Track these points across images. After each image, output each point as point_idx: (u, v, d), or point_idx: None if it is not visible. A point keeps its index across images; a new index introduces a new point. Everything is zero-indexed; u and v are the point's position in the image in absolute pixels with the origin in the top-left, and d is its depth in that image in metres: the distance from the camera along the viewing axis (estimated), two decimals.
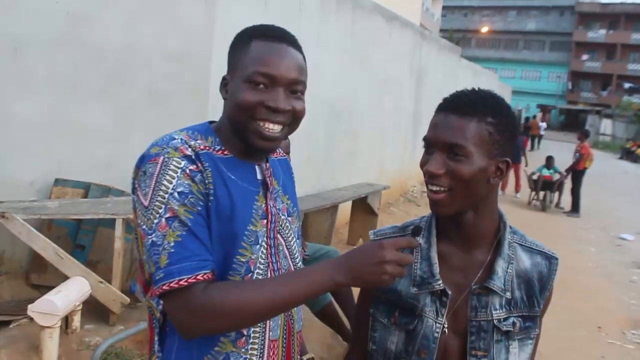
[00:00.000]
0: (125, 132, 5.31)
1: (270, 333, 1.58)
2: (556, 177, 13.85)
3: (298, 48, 1.57)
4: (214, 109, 5.17)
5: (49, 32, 5.16)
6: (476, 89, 1.63)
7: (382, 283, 1.41)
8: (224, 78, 1.59)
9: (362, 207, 7.68)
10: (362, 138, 9.18)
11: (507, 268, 1.63)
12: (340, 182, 8.07)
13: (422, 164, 1.59)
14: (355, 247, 7.82)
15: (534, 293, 1.65)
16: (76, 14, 5.21)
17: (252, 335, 1.54)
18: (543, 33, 66.27)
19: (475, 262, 1.65)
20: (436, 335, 1.63)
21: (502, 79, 33.54)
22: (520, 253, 1.67)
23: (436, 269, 1.64)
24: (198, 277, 1.38)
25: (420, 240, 1.69)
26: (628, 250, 10.45)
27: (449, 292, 1.63)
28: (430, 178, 1.56)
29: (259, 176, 1.60)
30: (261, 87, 1.49)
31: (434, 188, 1.56)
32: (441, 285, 1.63)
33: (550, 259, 1.69)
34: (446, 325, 1.62)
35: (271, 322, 1.58)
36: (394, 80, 10.44)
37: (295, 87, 1.54)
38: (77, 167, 5.20)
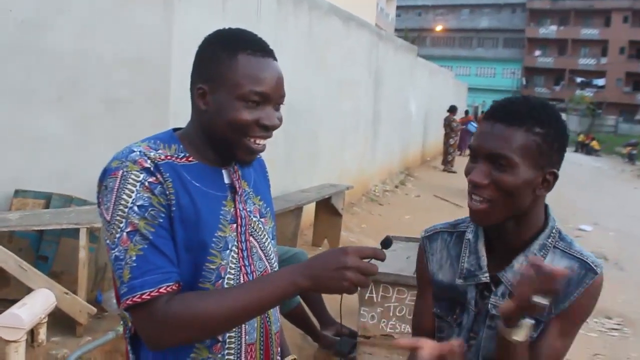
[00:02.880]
0: (84, 141, 5.24)
1: (247, 337, 1.58)
2: None
3: (276, 58, 1.57)
4: (175, 116, 5.14)
5: (1, 40, 5.07)
6: (526, 97, 1.59)
7: (343, 290, 1.39)
8: (199, 87, 1.54)
9: (326, 208, 7.69)
10: (323, 139, 9.20)
11: None
12: (302, 183, 8.08)
13: (467, 172, 1.58)
14: (321, 249, 7.91)
15: (554, 300, 1.53)
16: (30, 21, 5.13)
17: (227, 340, 1.54)
18: (496, 30, 67.41)
19: (506, 263, 1.63)
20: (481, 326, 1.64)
21: (457, 76, 33.93)
22: (558, 258, 1.61)
23: (484, 261, 1.64)
24: (161, 290, 1.39)
25: (469, 234, 1.70)
26: (587, 241, 10.63)
27: (493, 288, 1.63)
28: (473, 188, 1.54)
29: (226, 180, 1.59)
30: (253, 104, 1.49)
31: (476, 198, 1.54)
32: (487, 277, 1.63)
33: (587, 271, 1.59)
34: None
35: (247, 326, 1.58)
36: (352, 81, 10.49)
37: (282, 101, 1.57)
38: (37, 178, 5.12)
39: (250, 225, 1.61)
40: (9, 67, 5.11)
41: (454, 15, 70.25)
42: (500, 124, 1.52)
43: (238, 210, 1.58)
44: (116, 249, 1.40)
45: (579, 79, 61.41)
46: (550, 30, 64.50)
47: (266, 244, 1.66)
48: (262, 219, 1.67)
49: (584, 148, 35.59)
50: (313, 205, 7.58)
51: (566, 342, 1.63)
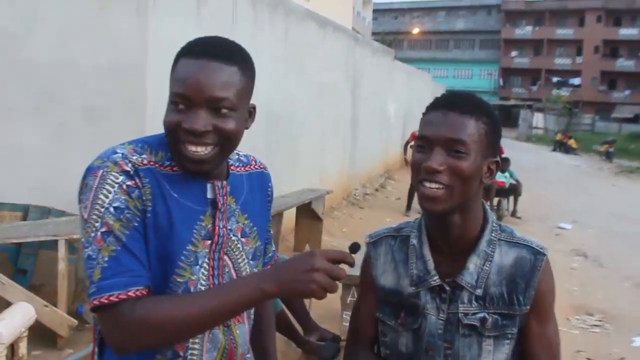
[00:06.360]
0: (61, 151, 5.19)
1: (207, 355, 1.54)
2: (510, 182, 12.29)
3: (229, 60, 1.46)
4: (152, 124, 5.10)
5: None
6: (465, 91, 1.68)
7: (310, 293, 1.35)
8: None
9: (307, 213, 7.68)
10: (302, 144, 9.20)
11: (483, 265, 1.64)
12: (283, 189, 8.04)
13: (418, 162, 1.59)
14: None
15: (517, 291, 1.63)
16: (4, 33, 5.09)
17: (189, 356, 1.51)
18: (472, 32, 67.85)
19: (458, 266, 1.66)
20: (440, 331, 1.65)
21: (435, 78, 34.04)
22: (505, 249, 1.67)
23: (430, 264, 1.67)
24: (129, 293, 1.36)
25: (413, 239, 1.72)
26: (567, 238, 10.73)
27: (447, 288, 1.65)
28: (429, 174, 1.55)
29: (209, 195, 1.53)
30: (181, 107, 1.43)
31: (433, 185, 1.55)
32: (437, 280, 1.65)
33: (537, 254, 1.66)
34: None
35: (208, 344, 1.54)
36: (330, 85, 10.49)
37: (217, 104, 1.43)
38: (13, 190, 5.06)
39: (228, 243, 1.57)
40: None
41: (430, 17, 70.60)
42: (453, 112, 1.56)
43: (217, 227, 1.54)
44: (89, 248, 1.39)
45: (555, 79, 61.95)
46: (525, 30, 65.04)
47: (241, 264, 1.61)
48: (243, 239, 1.61)
49: (562, 147, 35.84)
50: (294, 210, 7.57)
51: (551, 327, 1.70)
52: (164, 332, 1.38)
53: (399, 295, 1.72)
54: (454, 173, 1.54)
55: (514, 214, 12.46)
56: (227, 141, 1.48)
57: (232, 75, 1.46)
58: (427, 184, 1.56)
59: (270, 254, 1.81)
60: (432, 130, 1.58)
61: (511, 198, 12.53)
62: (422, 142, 1.60)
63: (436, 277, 1.65)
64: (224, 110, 1.44)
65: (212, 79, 1.43)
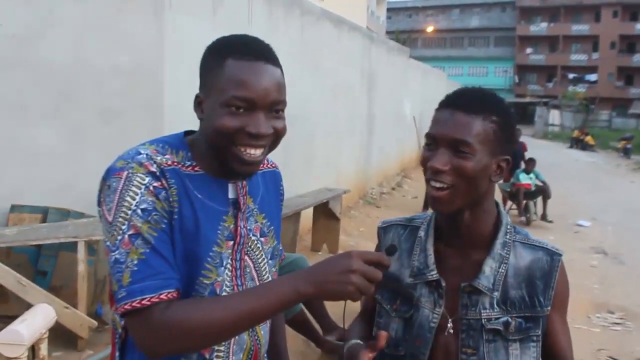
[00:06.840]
0: (79, 153, 5.21)
1: (234, 357, 1.53)
2: (535, 183, 11.78)
3: (275, 62, 1.49)
4: (170, 125, 5.12)
5: None
6: (479, 88, 1.66)
7: (347, 295, 1.32)
8: (197, 96, 1.50)
9: (324, 213, 7.68)
10: (318, 143, 9.19)
11: (499, 268, 1.63)
12: (299, 189, 8.05)
13: (425, 160, 1.60)
14: (320, 254, 7.88)
15: (536, 292, 1.63)
16: (22, 35, 5.11)
17: (214, 358, 1.50)
18: (487, 29, 67.66)
19: (470, 262, 1.66)
20: (432, 325, 1.65)
21: (450, 76, 33.92)
22: (520, 251, 1.66)
23: (431, 259, 1.68)
24: (161, 296, 1.34)
25: (421, 232, 1.74)
26: (586, 236, 10.65)
27: (443, 283, 1.64)
28: (433, 174, 1.56)
29: (231, 195, 1.53)
30: (240, 110, 1.41)
31: (437, 185, 1.56)
32: (435, 275, 1.65)
33: (553, 255, 1.66)
34: (450, 323, 1.64)
35: (235, 346, 1.53)
36: (346, 85, 10.48)
37: (278, 107, 1.47)
38: (32, 192, 5.08)
39: (248, 243, 1.56)
40: (2, 81, 5.09)
41: (444, 15, 70.47)
42: (460, 112, 1.56)
43: (239, 227, 1.53)
44: (117, 252, 1.35)
45: (571, 75, 61.60)
46: (540, 27, 64.74)
47: (261, 264, 1.60)
48: (262, 238, 1.61)
49: (579, 144, 35.60)
50: (311, 210, 7.57)
51: (567, 326, 1.72)
52: (198, 336, 1.34)
53: (397, 282, 1.73)
54: (458, 173, 1.55)
55: (544, 217, 11.72)
56: (278, 141, 1.52)
57: (282, 77, 1.50)
58: (433, 183, 1.58)
59: (277, 253, 1.79)
60: (438, 130, 1.59)
61: (539, 201, 11.85)
62: (430, 141, 1.61)
63: (434, 272, 1.66)
64: (280, 112, 1.50)
65: (272, 82, 1.46)
